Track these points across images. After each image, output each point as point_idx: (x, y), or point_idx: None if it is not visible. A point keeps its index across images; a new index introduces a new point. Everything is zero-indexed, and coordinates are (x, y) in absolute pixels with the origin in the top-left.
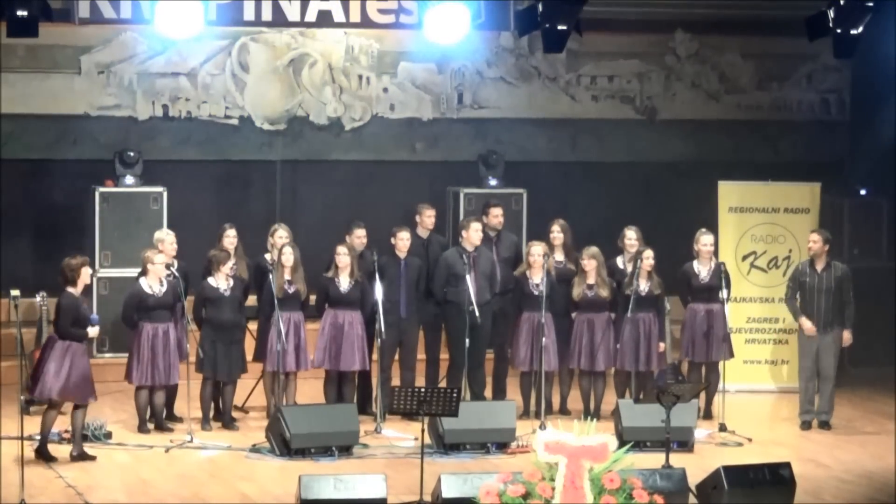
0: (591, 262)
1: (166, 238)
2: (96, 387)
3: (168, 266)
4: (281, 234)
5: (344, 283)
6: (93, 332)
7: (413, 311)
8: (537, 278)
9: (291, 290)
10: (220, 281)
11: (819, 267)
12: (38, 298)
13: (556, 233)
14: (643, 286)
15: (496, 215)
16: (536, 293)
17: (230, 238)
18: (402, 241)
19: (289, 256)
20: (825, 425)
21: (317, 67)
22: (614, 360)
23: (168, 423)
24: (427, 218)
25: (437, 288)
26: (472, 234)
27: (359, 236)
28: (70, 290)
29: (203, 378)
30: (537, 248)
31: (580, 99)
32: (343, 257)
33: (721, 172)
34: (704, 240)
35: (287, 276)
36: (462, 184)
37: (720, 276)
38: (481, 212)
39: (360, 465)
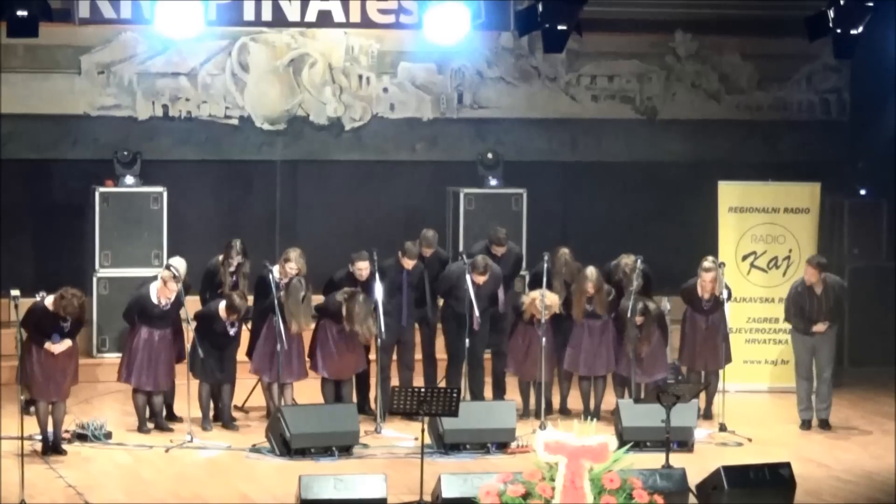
0: (590, 284)
1: (168, 281)
2: (97, 387)
3: (169, 266)
4: (291, 267)
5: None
6: (49, 346)
7: (413, 315)
8: (538, 315)
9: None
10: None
11: (818, 291)
12: (38, 298)
13: (565, 254)
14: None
15: (500, 246)
16: (538, 329)
17: (234, 251)
18: (408, 262)
19: (303, 293)
20: (825, 423)
21: (317, 67)
22: (614, 364)
23: (168, 423)
24: (424, 251)
25: (440, 294)
26: (480, 277)
27: (360, 268)
28: (47, 303)
29: (199, 379)
30: (547, 300)
31: (580, 99)
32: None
33: (721, 172)
34: (705, 276)
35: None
36: (462, 184)
37: (723, 300)
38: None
39: (360, 465)
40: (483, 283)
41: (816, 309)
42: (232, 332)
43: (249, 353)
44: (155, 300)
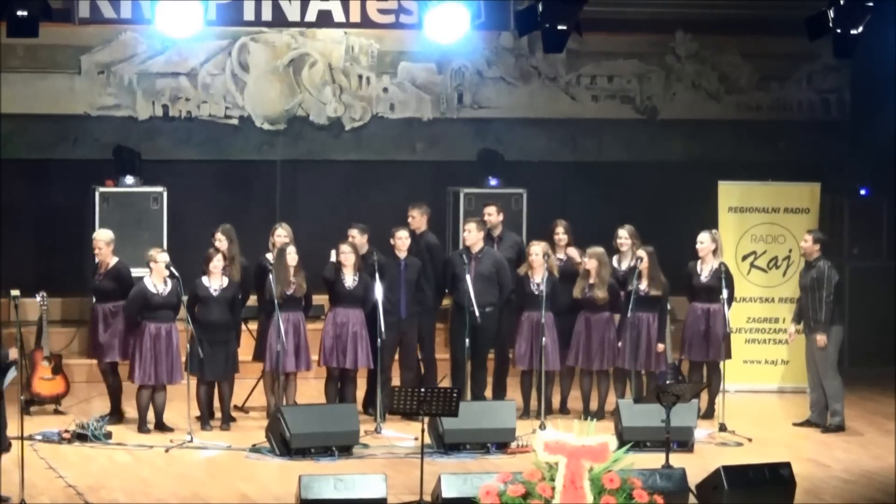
0: (591, 261)
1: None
2: (97, 387)
3: (168, 266)
4: (280, 234)
5: (349, 279)
6: None
7: (413, 312)
8: (538, 278)
9: (291, 290)
10: (213, 280)
11: (809, 266)
12: (38, 298)
13: (561, 234)
14: (642, 287)
15: (488, 213)
16: (537, 293)
17: (216, 240)
18: (401, 240)
19: (293, 256)
20: (836, 427)
21: (317, 67)
22: (613, 360)
23: (166, 424)
24: (412, 219)
25: (446, 286)
26: (465, 235)
27: (352, 236)
28: None
29: (197, 378)
30: (537, 248)
31: (580, 99)
32: (348, 255)
33: (721, 172)
34: (699, 238)
35: (291, 277)
36: (462, 184)
37: (720, 277)
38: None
39: (360, 465)
40: (484, 257)
41: (801, 284)
42: (216, 293)
43: (257, 356)
44: (153, 289)
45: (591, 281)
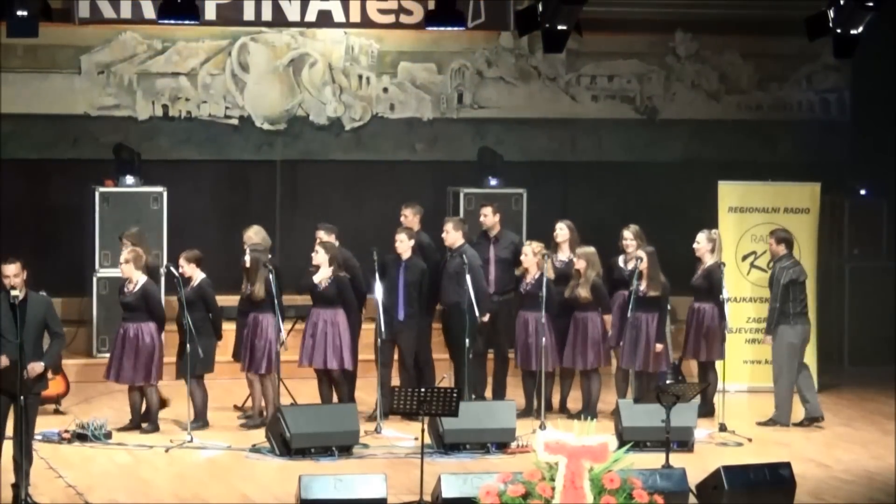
0: (579, 261)
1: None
2: (97, 387)
3: (168, 267)
4: (249, 237)
5: (319, 279)
6: None
7: (411, 313)
8: (531, 278)
9: (248, 291)
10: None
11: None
12: None
13: (560, 230)
14: (641, 287)
15: (484, 214)
16: (524, 293)
17: (122, 246)
18: (397, 242)
19: (246, 259)
20: (769, 421)
21: (317, 67)
22: (605, 359)
23: (159, 423)
24: (404, 218)
25: (440, 285)
26: (444, 235)
27: (319, 237)
28: None
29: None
30: (528, 248)
31: (580, 99)
32: (317, 255)
33: (721, 172)
34: (696, 237)
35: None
36: (462, 184)
37: (705, 276)
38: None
39: (360, 465)
40: (456, 257)
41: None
42: (186, 293)
43: (235, 355)
44: (124, 288)
45: (579, 281)
